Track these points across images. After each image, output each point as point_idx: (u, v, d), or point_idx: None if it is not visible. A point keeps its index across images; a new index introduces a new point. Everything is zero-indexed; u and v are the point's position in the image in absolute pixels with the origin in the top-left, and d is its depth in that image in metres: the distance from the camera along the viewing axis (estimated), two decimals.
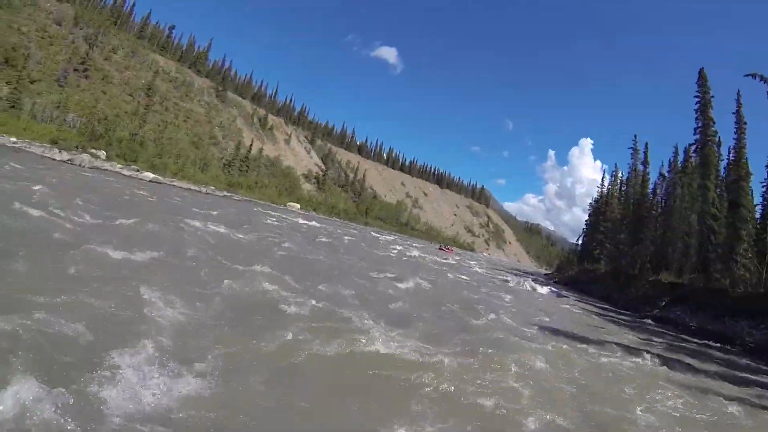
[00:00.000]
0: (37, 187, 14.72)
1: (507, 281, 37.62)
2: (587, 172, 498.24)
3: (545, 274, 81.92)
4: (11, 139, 37.51)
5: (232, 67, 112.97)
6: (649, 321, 25.18)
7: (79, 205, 14.21)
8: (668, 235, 40.91)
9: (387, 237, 69.20)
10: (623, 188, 59.48)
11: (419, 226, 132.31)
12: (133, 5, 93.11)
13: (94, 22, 73.09)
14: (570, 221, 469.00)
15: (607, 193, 65.29)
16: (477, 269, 47.74)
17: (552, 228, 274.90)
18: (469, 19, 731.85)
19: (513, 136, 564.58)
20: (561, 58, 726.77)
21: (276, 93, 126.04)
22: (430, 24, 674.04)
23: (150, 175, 47.25)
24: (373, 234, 66.51)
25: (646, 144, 52.08)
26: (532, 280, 41.74)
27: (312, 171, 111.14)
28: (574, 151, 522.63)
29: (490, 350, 8.70)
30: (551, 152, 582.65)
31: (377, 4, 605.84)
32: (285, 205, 77.88)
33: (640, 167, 51.77)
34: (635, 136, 53.54)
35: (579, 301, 32.28)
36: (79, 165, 37.63)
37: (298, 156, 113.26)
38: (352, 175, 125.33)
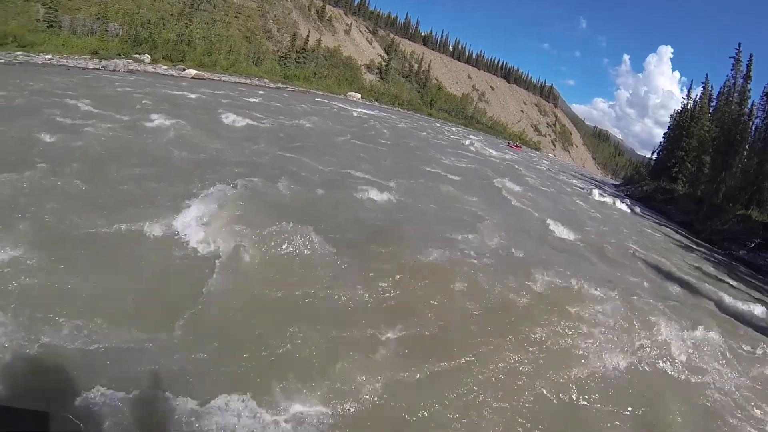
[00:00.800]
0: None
1: (582, 189, 33.37)
2: (664, 83, 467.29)
3: (613, 185, 76.99)
4: (46, 56, 35.47)
5: None
6: (737, 264, 22.34)
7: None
8: (765, 167, 34.25)
9: (452, 129, 64.96)
10: (712, 104, 52.87)
11: (485, 120, 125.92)
12: None
13: None
14: (640, 132, 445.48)
15: (695, 106, 57.78)
16: (550, 172, 43.28)
17: (620, 137, 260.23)
18: None
19: (586, 35, 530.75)
20: None
21: None
22: None
23: (192, 72, 45.78)
24: (440, 126, 62.66)
25: (751, 56, 43.44)
26: (605, 192, 37.31)
27: (374, 61, 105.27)
28: (651, 58, 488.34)
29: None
30: (626, 57, 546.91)
31: None
32: (345, 95, 75.25)
33: (740, 81, 43.61)
34: (739, 45, 44.89)
35: (658, 223, 29.54)
36: (113, 70, 36.19)
37: (359, 46, 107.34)
38: (416, 66, 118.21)
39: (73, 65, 34.67)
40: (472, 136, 42.81)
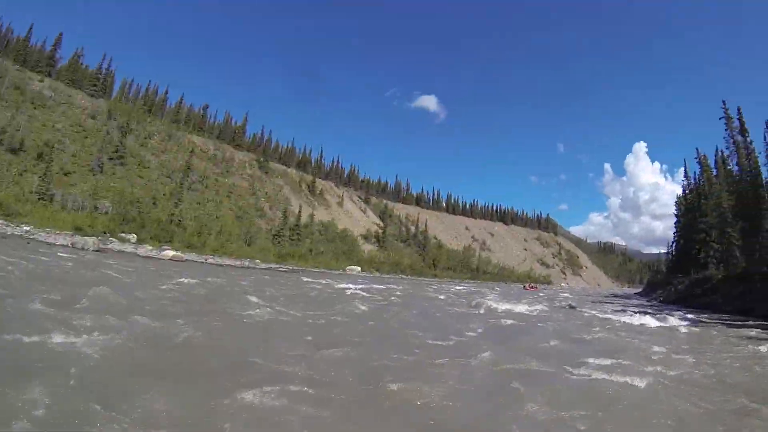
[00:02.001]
0: None
1: (629, 321, 27.09)
2: (647, 177, 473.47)
3: (636, 295, 71.80)
4: (25, 227, 35.36)
5: (272, 137, 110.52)
6: None
7: None
8: None
9: (458, 289, 59.72)
10: (715, 172, 50.76)
11: (491, 268, 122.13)
12: (166, 92, 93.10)
13: (127, 112, 73.33)
14: (639, 232, 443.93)
15: (698, 182, 55.39)
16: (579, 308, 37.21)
17: (623, 243, 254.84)
18: (501, 54, 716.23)
19: (566, 157, 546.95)
20: (596, 72, 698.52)
21: (321, 157, 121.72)
22: (462, 64, 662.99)
23: (170, 253, 43.36)
24: (446, 287, 57.43)
25: (739, 109, 41.13)
26: (637, 310, 32.10)
27: (371, 230, 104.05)
28: (630, 158, 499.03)
29: None
30: (607, 165, 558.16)
31: (410, 55, 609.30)
32: (343, 270, 70.90)
33: (739, 138, 40.17)
34: (723, 102, 42.53)
35: (724, 324, 24.08)
36: (81, 248, 33.92)
37: (354, 217, 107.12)
38: (413, 228, 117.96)
39: (43, 239, 33.18)
40: (487, 297, 37.03)
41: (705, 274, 43.52)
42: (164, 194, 60.71)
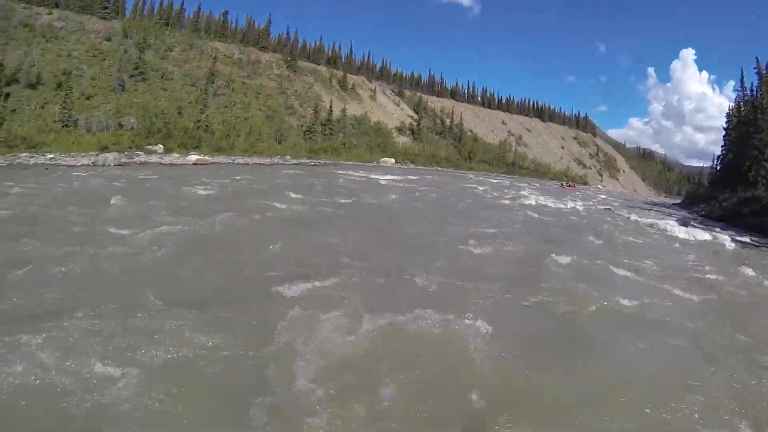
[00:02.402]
0: None
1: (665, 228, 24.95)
2: (694, 86, 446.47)
3: (675, 205, 67.51)
4: (49, 155, 34.84)
5: (299, 36, 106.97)
6: None
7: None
8: None
9: (494, 181, 57.58)
10: None
11: (527, 164, 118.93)
12: (182, 4, 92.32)
13: (143, 28, 72.04)
14: (681, 142, 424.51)
15: (755, 94, 51.58)
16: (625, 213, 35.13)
17: (663, 152, 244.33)
18: None
19: (607, 58, 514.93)
20: None
21: (351, 52, 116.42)
22: None
23: (194, 158, 43.72)
24: (483, 179, 55.68)
25: None
26: (678, 220, 32.45)
27: (405, 123, 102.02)
28: (676, 64, 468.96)
29: None
30: (650, 69, 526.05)
31: None
32: (378, 162, 71.62)
33: None
34: None
35: None
36: (103, 165, 34.24)
37: (387, 110, 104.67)
38: (448, 121, 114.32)
39: (64, 164, 33.08)
40: (523, 191, 35.14)
41: (754, 194, 40.65)
42: (190, 102, 60.33)
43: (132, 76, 59.23)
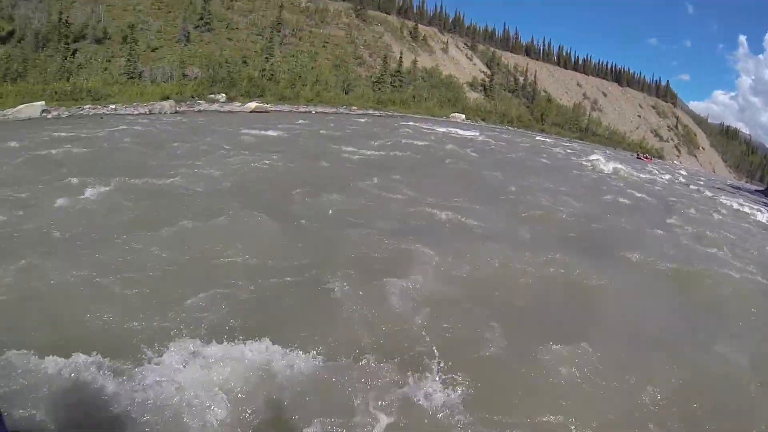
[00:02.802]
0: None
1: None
2: None
3: (758, 191, 62.84)
4: (111, 106, 34.98)
5: None
6: None
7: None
8: None
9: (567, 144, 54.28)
10: None
11: (601, 130, 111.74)
12: None
13: None
14: None
15: None
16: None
17: (747, 131, 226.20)
18: None
19: (695, 21, 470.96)
20: None
21: (423, 3, 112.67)
22: None
23: (252, 105, 42.96)
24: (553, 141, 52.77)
25: None
26: None
27: (477, 78, 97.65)
28: None
29: None
30: (742, 38, 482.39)
31: None
32: (447, 117, 68.08)
33: None
34: None
35: None
36: (159, 113, 34.24)
37: (459, 64, 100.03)
38: (521, 79, 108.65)
39: (123, 112, 33.27)
40: (598, 158, 31.57)
41: None
42: (255, 52, 59.81)
43: (197, 27, 58.99)
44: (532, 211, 12.82)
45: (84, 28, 49.48)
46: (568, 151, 43.16)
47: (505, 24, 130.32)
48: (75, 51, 45.70)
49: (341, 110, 51.48)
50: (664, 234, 13.10)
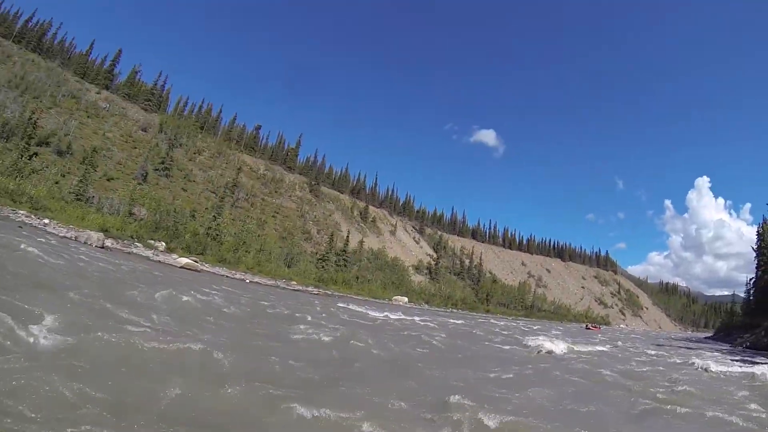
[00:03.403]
0: None
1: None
2: (710, 214, 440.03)
3: (708, 338, 65.50)
4: (44, 221, 34.32)
5: (326, 162, 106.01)
6: None
7: None
8: None
9: (514, 324, 53.71)
10: None
11: (546, 306, 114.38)
12: (220, 111, 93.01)
13: (179, 126, 73.11)
14: (702, 273, 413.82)
15: None
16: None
17: (684, 284, 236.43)
18: (562, 88, 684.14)
19: (625, 194, 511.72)
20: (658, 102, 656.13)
21: (376, 185, 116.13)
22: (522, 98, 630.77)
23: (183, 260, 39.51)
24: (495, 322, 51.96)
25: None
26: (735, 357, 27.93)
27: (423, 261, 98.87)
28: (692, 194, 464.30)
29: None
30: (667, 202, 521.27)
31: (469, 90, 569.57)
32: (389, 300, 65.74)
33: None
34: None
35: None
36: (84, 242, 31.96)
37: (406, 247, 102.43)
38: (467, 261, 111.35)
39: (47, 230, 31.57)
40: (545, 337, 30.65)
41: None
42: (206, 208, 59.09)
43: (157, 169, 59.46)
44: None
45: (51, 136, 50.13)
46: (511, 330, 42.46)
47: (453, 208, 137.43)
48: (35, 154, 45.92)
49: (279, 283, 48.80)
50: None
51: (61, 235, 31.30)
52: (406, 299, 69.13)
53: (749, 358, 26.93)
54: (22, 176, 41.69)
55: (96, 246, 31.89)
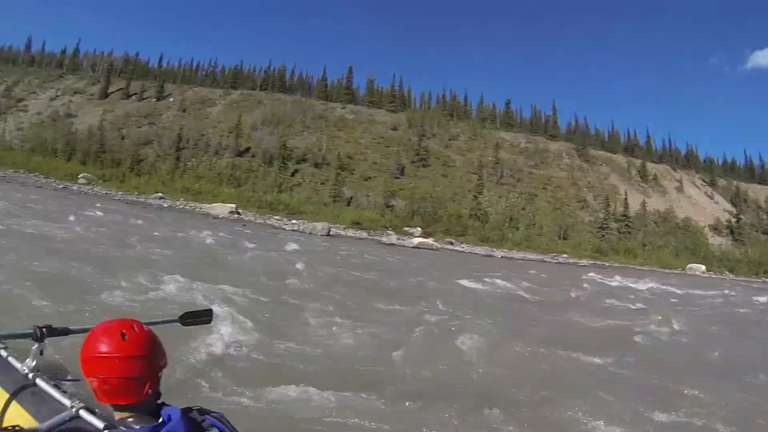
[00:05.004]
0: None
1: None
2: None
3: None
4: (293, 221, 39.81)
5: (589, 124, 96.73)
6: None
7: None
8: None
9: None
10: None
11: None
12: (466, 97, 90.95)
13: (424, 117, 73.46)
14: None
15: None
16: None
17: None
18: None
19: None
20: None
21: (650, 139, 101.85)
22: None
23: (416, 240, 39.24)
24: None
25: None
26: None
27: (721, 219, 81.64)
28: None
29: None
30: None
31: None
32: (682, 269, 53.59)
33: None
34: None
35: None
36: (310, 233, 35.11)
37: (698, 204, 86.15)
38: None
39: (280, 226, 37.09)
40: None
41: None
42: (469, 190, 58.08)
43: (413, 162, 60.74)
44: None
45: (306, 153, 56.45)
46: None
47: (745, 152, 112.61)
48: (296, 171, 53.52)
49: (546, 258, 43.71)
50: None
51: (288, 228, 36.26)
52: (703, 268, 55.66)
53: None
54: (281, 190, 49.39)
55: (321, 234, 34.71)
